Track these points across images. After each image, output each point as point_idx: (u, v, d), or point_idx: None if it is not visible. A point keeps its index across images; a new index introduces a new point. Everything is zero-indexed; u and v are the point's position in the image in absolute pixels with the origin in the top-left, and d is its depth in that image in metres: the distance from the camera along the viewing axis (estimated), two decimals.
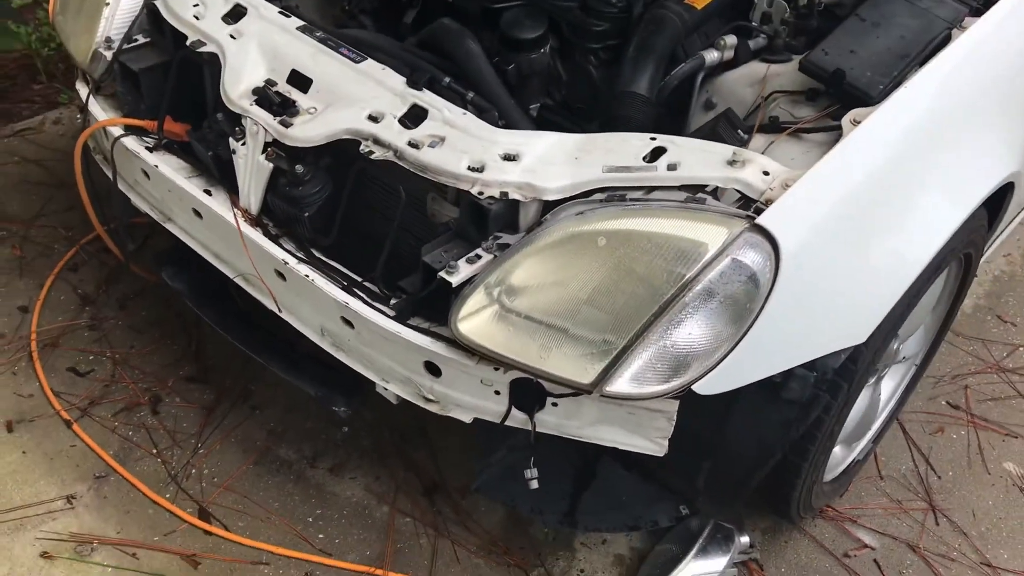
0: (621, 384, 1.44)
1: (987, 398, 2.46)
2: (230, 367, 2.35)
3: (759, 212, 1.44)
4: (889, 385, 2.21)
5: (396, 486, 2.14)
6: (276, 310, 1.82)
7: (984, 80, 1.76)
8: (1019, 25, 1.82)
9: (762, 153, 1.65)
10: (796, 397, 1.58)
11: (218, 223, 1.83)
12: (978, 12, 1.80)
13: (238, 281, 1.87)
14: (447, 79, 1.76)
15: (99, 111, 2.03)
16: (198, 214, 1.88)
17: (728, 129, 1.71)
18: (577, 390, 1.49)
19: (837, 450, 2.05)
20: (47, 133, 3.08)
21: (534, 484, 1.66)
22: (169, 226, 2.00)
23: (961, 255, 1.93)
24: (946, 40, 1.75)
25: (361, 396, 1.87)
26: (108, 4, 2.02)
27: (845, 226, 1.53)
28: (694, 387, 1.44)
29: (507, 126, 1.74)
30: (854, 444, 2.15)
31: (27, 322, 2.42)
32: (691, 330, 1.41)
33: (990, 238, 2.05)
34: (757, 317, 1.43)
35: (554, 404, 1.58)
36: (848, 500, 2.20)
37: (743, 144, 1.68)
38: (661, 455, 1.60)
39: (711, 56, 1.87)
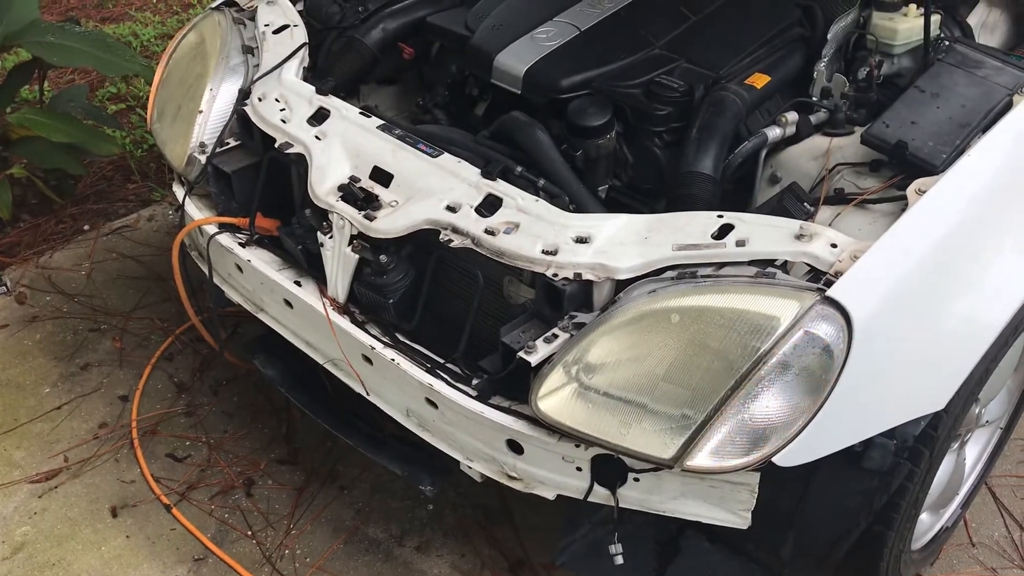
0: (701, 458, 1.47)
1: None
2: (318, 449, 2.44)
3: (829, 284, 1.48)
4: (974, 450, 2.18)
5: (482, 563, 2.17)
6: (364, 393, 1.90)
7: None
8: None
9: (829, 225, 1.69)
10: (877, 466, 1.58)
11: (308, 312, 1.93)
12: None
13: (328, 367, 1.96)
14: (519, 168, 1.85)
15: (194, 211, 2.17)
16: (289, 304, 1.99)
17: (794, 202, 1.76)
18: (658, 465, 1.53)
19: (924, 517, 2.03)
20: (142, 230, 3.27)
21: (619, 560, 1.68)
22: (261, 316, 2.11)
23: None
24: (1008, 106, 1.78)
25: (446, 475, 1.93)
26: (202, 112, 2.18)
27: (917, 294, 1.55)
28: (774, 459, 1.47)
29: (578, 210, 1.81)
30: (941, 511, 2.12)
31: (128, 411, 2.55)
32: (768, 403, 1.44)
33: None
34: (833, 388, 1.45)
35: (636, 479, 1.62)
36: (939, 568, 2.16)
37: (809, 217, 1.72)
38: (744, 528, 1.61)
39: (773, 133, 1.93)
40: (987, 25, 2.26)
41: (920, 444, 1.62)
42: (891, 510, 1.70)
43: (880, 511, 1.67)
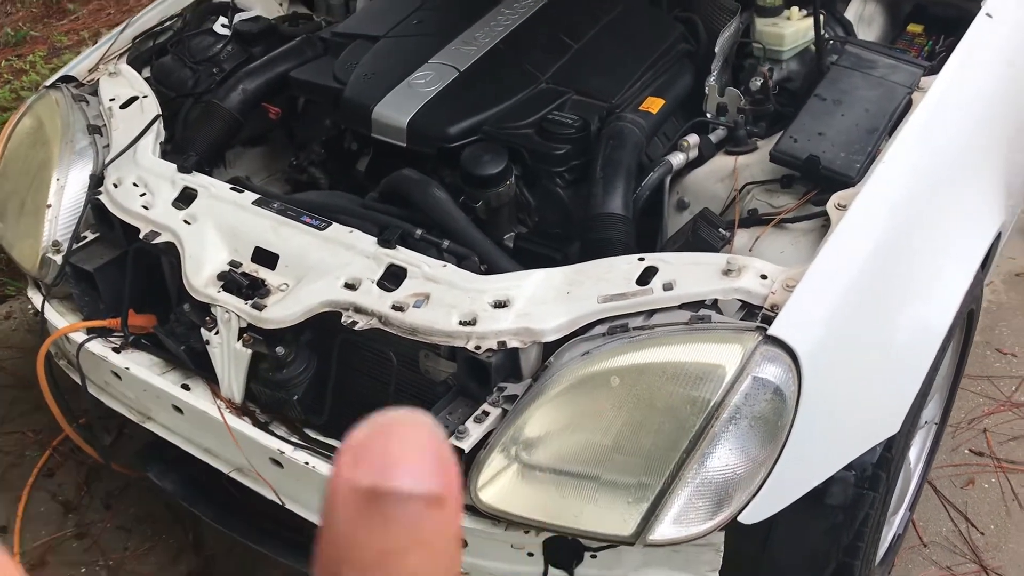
0: (664, 529, 1.35)
1: (1008, 438, 2.40)
2: (232, 553, 2.21)
3: (768, 320, 1.39)
4: (915, 451, 2.14)
5: None
6: (278, 502, 1.71)
7: (955, 137, 1.75)
8: (975, 75, 1.82)
9: (750, 249, 1.61)
10: (840, 501, 1.50)
11: (202, 417, 1.73)
12: (933, 70, 1.80)
13: (234, 475, 1.76)
14: (419, 231, 1.70)
15: (57, 317, 1.93)
16: (179, 410, 1.78)
17: (708, 230, 1.67)
18: (619, 542, 1.41)
19: None
20: None
21: None
22: (149, 425, 1.89)
23: (966, 313, 1.89)
24: (909, 105, 1.74)
25: None
26: (50, 205, 1.95)
27: (859, 317, 1.48)
28: (740, 518, 1.36)
29: (489, 269, 1.68)
30: (892, 518, 2.07)
31: (9, 544, 2.27)
32: (727, 459, 1.34)
33: None
34: (790, 432, 1.36)
35: (593, 556, 1.49)
36: None
37: (726, 242, 1.64)
38: None
39: (677, 159, 1.84)
40: (864, 18, 2.24)
41: (879, 469, 1.55)
42: (857, 540, 1.62)
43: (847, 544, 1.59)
